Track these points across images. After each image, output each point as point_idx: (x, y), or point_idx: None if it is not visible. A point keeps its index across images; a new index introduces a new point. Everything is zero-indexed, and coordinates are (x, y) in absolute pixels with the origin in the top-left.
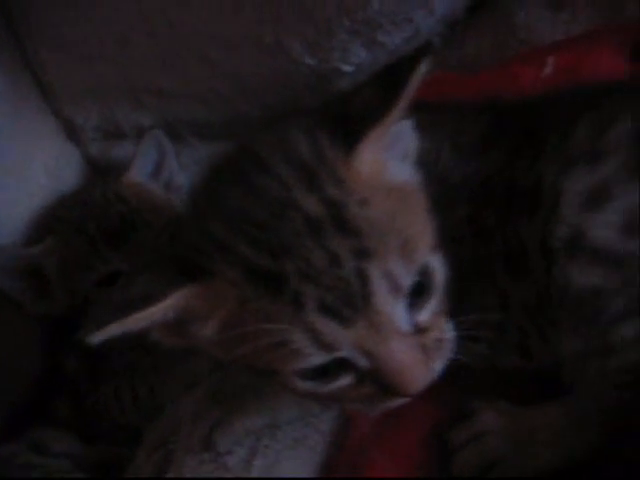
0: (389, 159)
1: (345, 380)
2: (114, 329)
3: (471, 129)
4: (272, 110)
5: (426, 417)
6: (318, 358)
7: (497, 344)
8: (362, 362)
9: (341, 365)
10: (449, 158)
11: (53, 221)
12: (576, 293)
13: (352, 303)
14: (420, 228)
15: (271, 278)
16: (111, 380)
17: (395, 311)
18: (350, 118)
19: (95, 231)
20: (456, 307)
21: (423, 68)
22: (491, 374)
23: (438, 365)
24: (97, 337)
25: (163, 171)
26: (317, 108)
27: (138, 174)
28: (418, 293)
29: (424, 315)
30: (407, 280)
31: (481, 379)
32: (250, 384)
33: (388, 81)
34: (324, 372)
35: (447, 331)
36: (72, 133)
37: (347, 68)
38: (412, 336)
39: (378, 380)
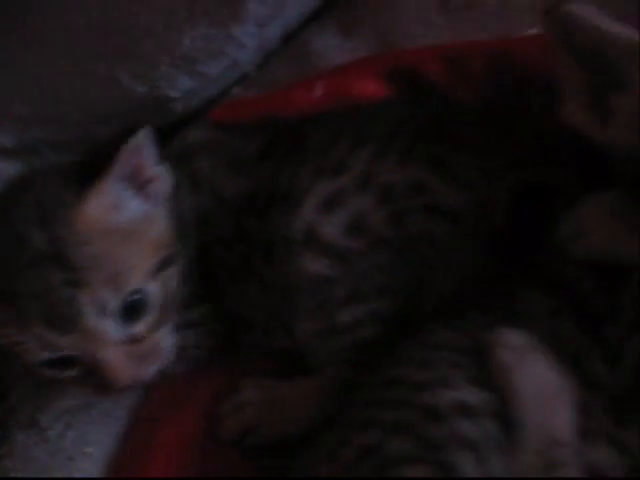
0: (122, 203)
1: (74, 371)
2: None
3: (250, 147)
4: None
5: (208, 392)
6: (47, 355)
7: (269, 327)
8: (84, 361)
9: (71, 360)
10: (224, 175)
11: None
12: (308, 279)
13: (67, 319)
14: (137, 262)
15: (7, 296)
16: None
17: (104, 326)
18: (93, 168)
19: None
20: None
21: (136, 142)
22: (266, 353)
23: (152, 367)
24: None
25: None
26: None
27: None
28: (134, 311)
29: (139, 327)
30: (115, 303)
31: (255, 359)
32: None
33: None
34: (61, 363)
35: (166, 339)
36: None
37: (175, 94)
38: (124, 344)
39: (96, 375)
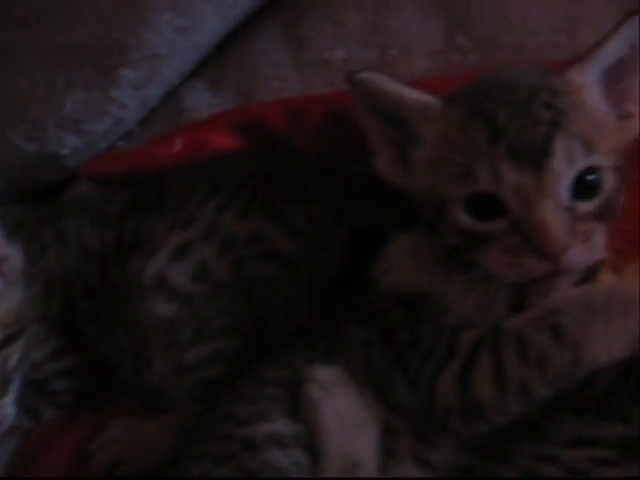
0: None
1: None
2: None
3: (116, 201)
4: (16, 184)
5: (81, 431)
6: None
7: (136, 368)
8: None
9: None
10: (90, 231)
11: None
12: (158, 322)
13: None
14: None
15: None
16: None
17: None
18: None
19: None
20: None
21: None
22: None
23: None
24: None
25: None
26: None
27: None
28: None
29: None
30: None
31: (126, 398)
32: None
33: None
34: None
35: (5, 408)
36: None
37: (65, 151)
38: None
39: None
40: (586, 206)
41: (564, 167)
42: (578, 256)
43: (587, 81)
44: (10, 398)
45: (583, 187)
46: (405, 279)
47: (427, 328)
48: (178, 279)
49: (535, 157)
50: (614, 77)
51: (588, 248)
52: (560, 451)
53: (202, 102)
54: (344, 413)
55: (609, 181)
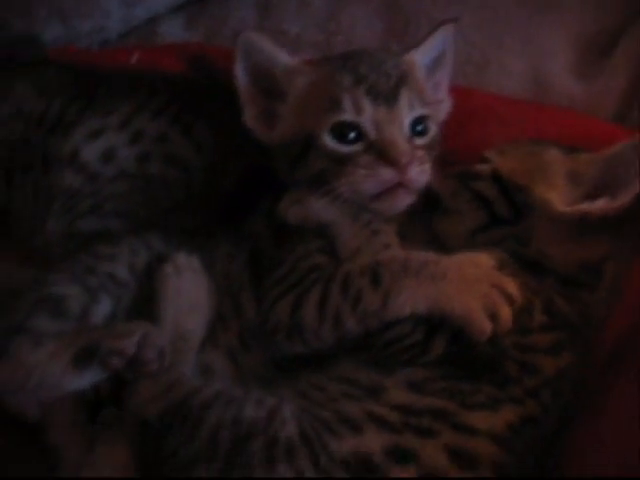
0: None
1: None
2: None
3: (65, 79)
4: None
5: None
6: None
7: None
8: None
9: None
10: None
11: None
12: (64, 190)
13: None
14: None
15: None
16: None
17: None
18: None
19: None
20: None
21: None
22: None
23: None
24: None
25: None
26: None
27: None
28: None
29: None
30: None
31: None
32: None
33: None
34: None
35: None
36: None
37: (49, 37)
38: None
39: None
40: (420, 141)
41: (407, 109)
42: (416, 172)
43: (416, 62)
44: None
45: (417, 128)
46: (313, 212)
47: (291, 259)
48: (88, 156)
49: (388, 99)
50: (433, 70)
51: (422, 170)
52: (327, 383)
53: (173, 34)
54: (184, 292)
55: (432, 127)
